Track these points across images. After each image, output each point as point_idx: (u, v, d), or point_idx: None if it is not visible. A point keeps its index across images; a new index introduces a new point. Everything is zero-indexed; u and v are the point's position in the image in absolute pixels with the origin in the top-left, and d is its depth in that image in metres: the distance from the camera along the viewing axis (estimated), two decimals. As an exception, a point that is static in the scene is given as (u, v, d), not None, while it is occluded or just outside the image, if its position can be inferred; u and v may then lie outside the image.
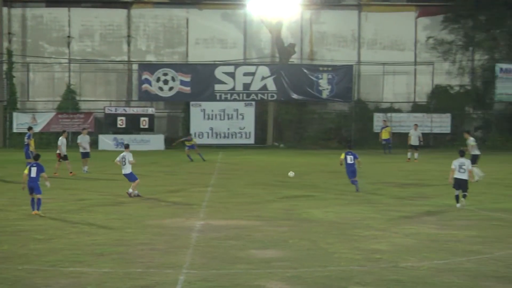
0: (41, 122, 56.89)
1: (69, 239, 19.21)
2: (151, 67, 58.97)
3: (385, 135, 52.37)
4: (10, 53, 58.54)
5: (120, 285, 14.42)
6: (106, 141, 55.42)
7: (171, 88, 58.55)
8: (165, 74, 58.46)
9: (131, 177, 27.87)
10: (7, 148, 55.42)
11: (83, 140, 38.00)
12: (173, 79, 58.45)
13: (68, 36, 59.47)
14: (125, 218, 22.79)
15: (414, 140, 45.90)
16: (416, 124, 48.95)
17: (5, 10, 57.79)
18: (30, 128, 39.46)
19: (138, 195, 27.53)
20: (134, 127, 56.56)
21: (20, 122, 56.60)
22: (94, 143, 52.74)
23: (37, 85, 59.73)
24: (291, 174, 32.83)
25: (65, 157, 35.91)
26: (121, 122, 56.35)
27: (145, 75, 58.35)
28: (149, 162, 43.72)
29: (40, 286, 14.32)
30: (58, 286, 14.35)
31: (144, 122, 56.63)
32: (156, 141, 56.01)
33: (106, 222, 22.00)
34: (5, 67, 58.16)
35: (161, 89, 58.56)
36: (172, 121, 60.38)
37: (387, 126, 53.67)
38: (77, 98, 59.06)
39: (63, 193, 28.51)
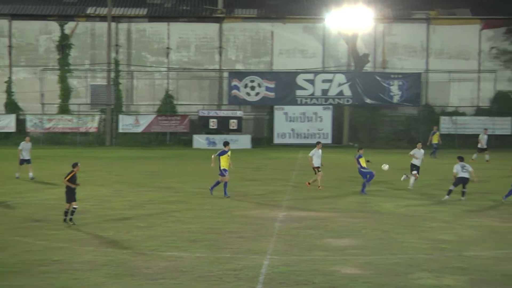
0: (143, 123, 57.55)
1: (167, 227, 19.51)
2: (240, 75, 59.03)
3: (435, 140, 49.49)
4: (117, 63, 59.55)
5: (211, 268, 14.65)
6: (200, 140, 55.80)
7: (257, 94, 58.59)
8: (252, 81, 58.55)
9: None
10: (113, 146, 56.33)
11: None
12: (259, 85, 58.48)
13: (167, 48, 60.06)
14: (216, 209, 22.98)
15: (483, 143, 44.06)
16: (485, 129, 46.99)
17: (113, 25, 58.75)
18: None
19: None
20: (224, 128, 56.66)
21: (125, 123, 57.46)
22: (189, 142, 53.80)
23: (140, 91, 60.40)
24: (384, 167, 28.78)
25: None
26: (212, 124, 56.59)
27: (234, 82, 58.55)
28: (238, 160, 43.60)
29: (142, 268, 14.61)
30: (157, 268, 14.64)
31: (233, 124, 56.75)
32: (244, 141, 56.00)
33: (199, 212, 22.21)
34: (112, 74, 59.17)
35: (248, 94, 58.62)
36: (258, 123, 60.38)
37: (437, 131, 50.49)
38: (175, 102, 59.59)
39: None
